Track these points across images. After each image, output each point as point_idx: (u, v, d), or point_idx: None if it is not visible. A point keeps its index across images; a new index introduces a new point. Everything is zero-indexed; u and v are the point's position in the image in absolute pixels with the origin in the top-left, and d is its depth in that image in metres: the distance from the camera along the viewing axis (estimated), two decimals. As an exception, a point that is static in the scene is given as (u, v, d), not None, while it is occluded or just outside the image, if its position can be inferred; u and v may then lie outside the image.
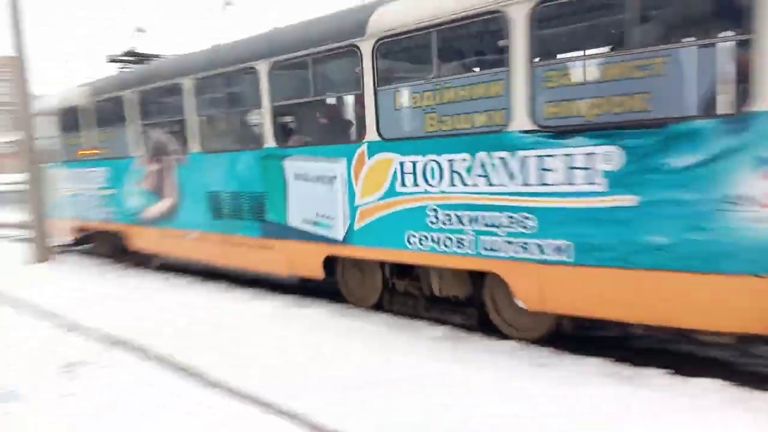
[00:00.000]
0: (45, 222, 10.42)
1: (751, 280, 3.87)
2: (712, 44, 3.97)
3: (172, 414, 4.05)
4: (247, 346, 5.33)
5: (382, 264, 6.35)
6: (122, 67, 10.28)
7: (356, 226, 6.02)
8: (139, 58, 10.23)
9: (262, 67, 6.67)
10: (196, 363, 5.01)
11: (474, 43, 5.21)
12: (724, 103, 4.00)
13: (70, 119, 10.34)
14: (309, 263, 6.58)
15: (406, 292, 6.34)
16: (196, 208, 7.91)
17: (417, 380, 4.29)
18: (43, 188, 10.16)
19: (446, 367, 4.58)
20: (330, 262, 6.57)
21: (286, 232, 6.73)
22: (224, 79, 7.37)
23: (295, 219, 6.63)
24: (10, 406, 4.39)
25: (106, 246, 10.65)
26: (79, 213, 10.56)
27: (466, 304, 5.87)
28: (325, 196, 6.25)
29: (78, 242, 11.23)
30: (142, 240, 9.17)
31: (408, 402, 3.94)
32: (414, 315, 6.22)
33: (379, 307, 6.51)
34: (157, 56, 10.25)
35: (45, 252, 10.37)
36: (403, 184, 5.54)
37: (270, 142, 6.71)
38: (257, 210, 7.00)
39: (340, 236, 6.20)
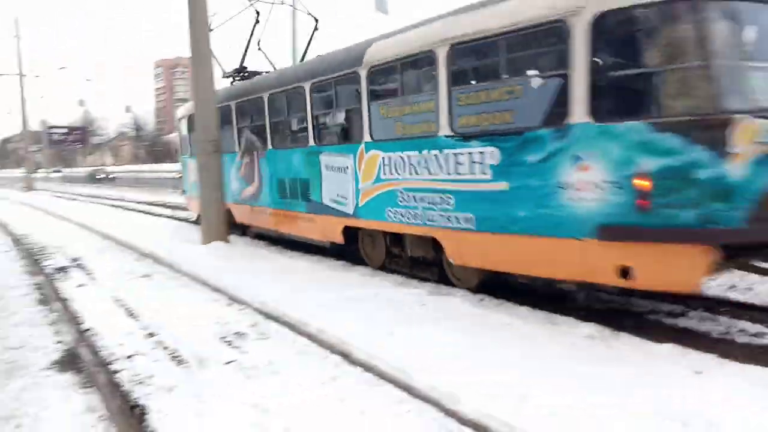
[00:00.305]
0: (215, 206, 10.53)
1: (574, 242, 5.48)
2: (547, 78, 5.66)
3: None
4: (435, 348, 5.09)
5: (385, 234, 8.18)
6: (233, 81, 12.94)
7: (360, 204, 8.11)
8: (247, 74, 12.78)
9: (306, 87, 9.01)
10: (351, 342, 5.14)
11: (419, 73, 7.12)
12: (554, 118, 5.53)
13: (192, 122, 12.76)
14: (334, 232, 8.79)
15: (399, 255, 8.20)
16: (270, 190, 10.48)
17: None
18: (217, 176, 10.49)
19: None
20: (350, 232, 8.63)
21: (321, 209, 8.95)
22: (284, 94, 9.80)
23: (326, 198, 8.85)
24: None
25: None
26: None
27: (433, 263, 7.63)
28: (342, 181, 8.41)
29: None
30: (240, 214, 11.87)
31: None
32: (410, 275, 8.03)
33: (383, 267, 8.44)
34: (258, 73, 12.70)
35: (215, 233, 10.48)
36: (385, 173, 7.58)
37: (312, 142, 9.04)
38: (304, 192, 9.31)
39: (351, 211, 8.32)
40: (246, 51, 13.27)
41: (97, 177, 46.92)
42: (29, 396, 4.49)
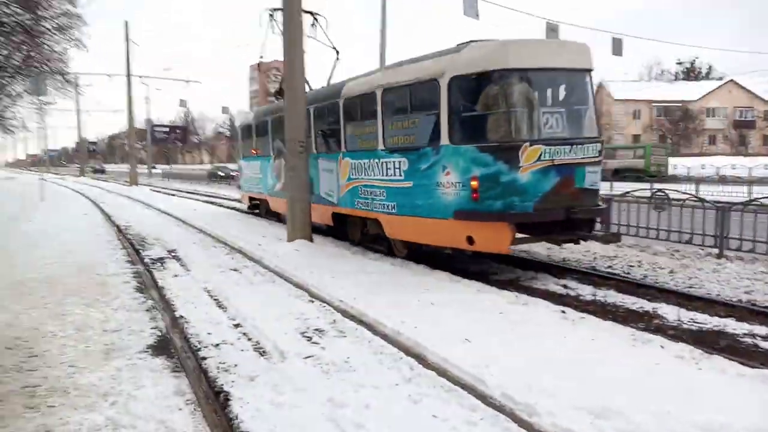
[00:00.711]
0: (300, 206, 11.01)
1: (446, 221, 8.22)
2: (430, 114, 8.50)
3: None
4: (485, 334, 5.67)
5: (359, 218, 10.70)
6: (277, 99, 15.56)
7: (340, 196, 10.91)
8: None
9: (310, 109, 11.70)
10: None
11: (369, 106, 9.82)
12: (432, 140, 8.37)
13: (245, 131, 17.50)
14: (326, 217, 11.66)
15: (368, 234, 10.75)
16: None
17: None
18: (304, 177, 11.02)
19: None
20: (338, 218, 11.40)
21: (320, 200, 11.64)
22: (273, 121, 13.82)
23: (322, 192, 11.63)
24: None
25: (262, 209, 17.05)
26: (250, 188, 17.32)
27: (385, 239, 10.14)
28: (331, 180, 11.24)
29: (251, 207, 18.10)
30: (273, 204, 15.29)
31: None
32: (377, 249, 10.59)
33: (360, 243, 11.10)
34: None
35: (300, 231, 10.96)
36: (352, 174, 10.39)
37: (314, 150, 11.88)
38: (310, 187, 11.54)
39: (336, 202, 11.14)
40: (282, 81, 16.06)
41: (218, 174, 48.18)
42: (125, 376, 4.82)
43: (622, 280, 8.55)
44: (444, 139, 8.16)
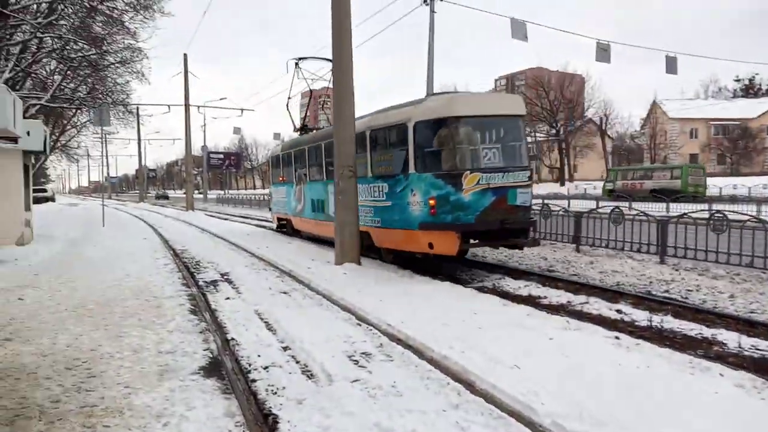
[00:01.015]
0: (349, 229, 11.31)
1: (414, 232, 10.44)
2: (401, 150, 10.83)
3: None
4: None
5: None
6: (300, 133, 18.16)
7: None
8: (309, 129, 18.21)
9: (323, 144, 14.58)
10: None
11: (360, 143, 11.78)
12: (403, 169, 10.70)
13: (274, 161, 20.24)
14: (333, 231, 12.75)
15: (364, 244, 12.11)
16: (307, 207, 16.22)
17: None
18: (353, 200, 11.41)
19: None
20: None
21: (329, 218, 13.47)
22: (306, 149, 16.02)
23: (331, 211, 13.40)
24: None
25: (288, 228, 19.04)
26: (278, 210, 19.84)
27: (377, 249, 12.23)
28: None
29: (279, 227, 20.26)
30: (296, 223, 17.83)
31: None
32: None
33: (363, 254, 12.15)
34: (317, 128, 18.95)
35: (348, 255, 11.20)
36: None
37: (324, 177, 14.58)
38: (323, 207, 14.61)
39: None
40: (306, 114, 21.25)
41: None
42: (178, 397, 4.93)
43: (680, 305, 8.27)
44: (411, 168, 10.60)
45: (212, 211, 42.00)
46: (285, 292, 9.18)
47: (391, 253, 11.89)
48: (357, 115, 11.75)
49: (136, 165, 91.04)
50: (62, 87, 25.84)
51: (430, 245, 10.33)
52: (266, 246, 15.40)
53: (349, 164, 11.14)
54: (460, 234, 10.00)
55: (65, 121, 37.46)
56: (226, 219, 31.48)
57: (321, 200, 14.92)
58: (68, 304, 8.71)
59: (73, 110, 32.00)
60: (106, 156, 77.35)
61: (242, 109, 44.94)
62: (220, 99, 67.43)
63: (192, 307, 8.50)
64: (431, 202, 10.13)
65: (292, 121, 18.06)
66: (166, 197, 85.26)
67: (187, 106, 40.85)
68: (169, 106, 43.34)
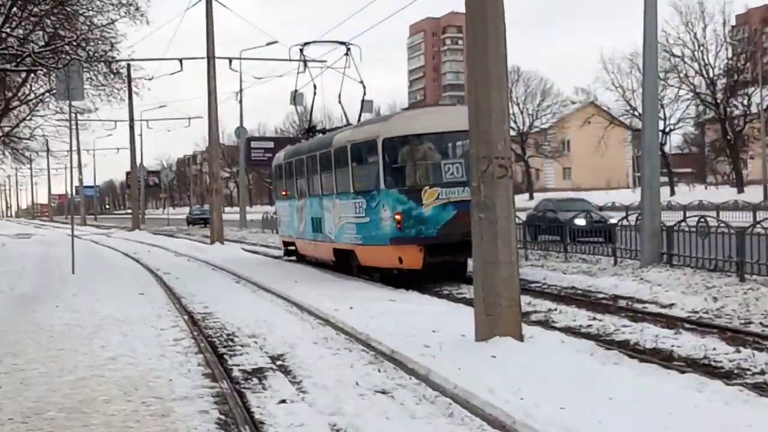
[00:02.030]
0: (505, 272, 6.66)
1: (387, 247, 11.45)
2: (374, 165, 11.89)
3: None
4: None
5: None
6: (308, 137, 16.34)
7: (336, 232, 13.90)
8: (317, 131, 16.54)
9: (317, 155, 14.31)
10: None
11: (342, 160, 13.07)
12: (376, 185, 11.73)
13: (277, 171, 18.39)
14: (329, 252, 14.29)
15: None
16: (308, 225, 15.37)
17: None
18: (506, 223, 6.78)
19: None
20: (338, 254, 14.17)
21: (326, 238, 14.21)
22: (296, 163, 15.88)
23: (326, 231, 14.02)
24: None
25: (297, 253, 16.79)
26: (284, 231, 17.74)
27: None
28: (329, 219, 13.91)
29: (286, 253, 17.59)
30: (301, 247, 16.32)
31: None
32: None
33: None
34: (325, 130, 17.07)
35: (501, 322, 6.50)
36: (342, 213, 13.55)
37: (320, 191, 14.33)
38: (319, 226, 14.31)
39: (333, 238, 13.82)
40: (311, 116, 17.98)
41: None
42: None
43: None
44: (382, 185, 11.48)
45: (255, 243, 26.92)
46: (383, 391, 5.35)
47: (377, 271, 12.25)
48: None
49: (127, 165, 54.74)
50: (2, 34, 15.32)
51: (400, 260, 11.21)
52: (349, 307, 9.39)
53: (498, 154, 6.45)
54: (423, 247, 10.90)
55: (9, 94, 22.33)
56: (278, 258, 19.33)
57: (318, 218, 14.19)
58: (13, 410, 5.19)
59: (22, 74, 18.87)
60: (79, 152, 51.19)
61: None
62: (267, 44, 31.07)
63: (222, 419, 4.93)
64: (397, 217, 11.02)
65: (299, 122, 15.99)
66: (205, 220, 42.90)
67: (211, 57, 24.01)
68: (180, 60, 26.17)
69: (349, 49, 14.66)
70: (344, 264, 13.32)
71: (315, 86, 15.85)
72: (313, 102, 16.63)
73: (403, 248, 10.94)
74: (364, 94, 14.68)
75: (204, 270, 17.14)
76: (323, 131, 16.72)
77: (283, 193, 17.31)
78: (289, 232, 17.06)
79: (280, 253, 19.44)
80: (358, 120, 14.85)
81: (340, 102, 15.64)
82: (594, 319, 8.75)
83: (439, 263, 11.42)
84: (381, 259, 11.75)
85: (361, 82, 14.61)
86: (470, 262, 10.28)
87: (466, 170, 10.36)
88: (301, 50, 15.15)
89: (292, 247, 17.06)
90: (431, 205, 10.79)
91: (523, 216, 18.32)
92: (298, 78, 15.85)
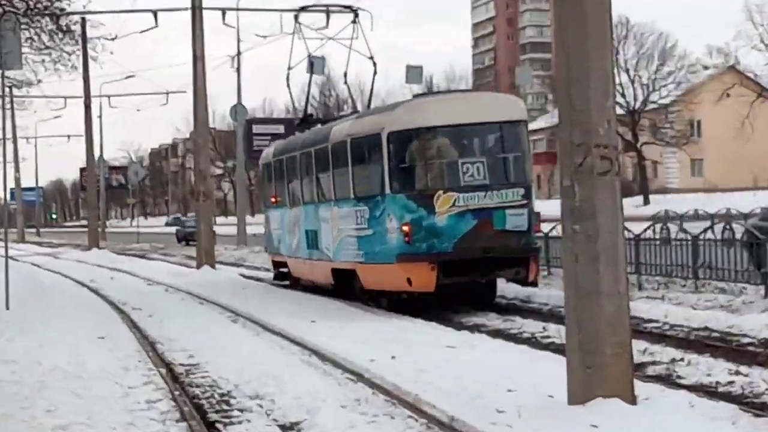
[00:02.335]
0: (610, 305, 5.20)
1: (393, 266, 9.65)
2: (377, 165, 10.09)
3: None
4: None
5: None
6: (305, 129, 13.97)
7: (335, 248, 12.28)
8: (315, 121, 14.44)
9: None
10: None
11: (341, 158, 11.31)
12: (381, 189, 10.02)
13: (265, 170, 15.84)
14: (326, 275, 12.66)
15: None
16: (302, 241, 13.29)
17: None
18: (611, 236, 4.61)
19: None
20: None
21: (321, 255, 12.59)
22: (287, 161, 13.68)
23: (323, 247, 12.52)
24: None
25: (290, 277, 14.15)
26: (274, 248, 14.96)
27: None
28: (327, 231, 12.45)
29: (276, 277, 14.75)
30: (294, 267, 13.70)
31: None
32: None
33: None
34: (326, 120, 14.39)
35: (603, 380, 5.00)
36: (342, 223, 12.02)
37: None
38: (315, 241, 12.48)
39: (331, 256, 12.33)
40: (307, 100, 15.97)
41: None
42: None
43: None
44: (387, 189, 9.94)
45: (257, 266, 20.92)
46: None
47: (383, 296, 10.53)
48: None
49: (81, 159, 43.38)
50: None
51: (408, 281, 9.57)
52: (391, 357, 7.12)
53: (600, 142, 4.91)
54: (436, 265, 9.39)
55: None
56: (286, 286, 15.09)
57: (314, 230, 12.18)
58: None
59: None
60: (15, 141, 39.94)
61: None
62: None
63: None
64: (405, 228, 9.59)
65: (293, 106, 14.12)
66: (188, 237, 34.31)
67: (197, 7, 18.22)
68: (155, 13, 20.61)
69: (357, 15, 12.77)
70: (345, 288, 11.40)
71: (312, 62, 13.46)
72: (310, 81, 14.66)
73: (412, 266, 9.41)
74: (375, 72, 12.96)
75: (188, 304, 13.46)
76: (322, 121, 14.25)
77: (273, 199, 14.50)
78: (279, 249, 14.23)
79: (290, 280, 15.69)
80: (368, 106, 13.55)
81: (346, 82, 14.35)
82: (737, 373, 6.94)
83: (454, 284, 9.78)
84: (386, 281, 10.07)
85: (371, 57, 12.76)
86: (500, 282, 10.75)
87: (489, 171, 9.66)
88: (296, 17, 13.06)
89: (285, 269, 14.26)
90: (446, 213, 9.43)
91: (636, 228, 13.06)
92: (292, 51, 13.12)
